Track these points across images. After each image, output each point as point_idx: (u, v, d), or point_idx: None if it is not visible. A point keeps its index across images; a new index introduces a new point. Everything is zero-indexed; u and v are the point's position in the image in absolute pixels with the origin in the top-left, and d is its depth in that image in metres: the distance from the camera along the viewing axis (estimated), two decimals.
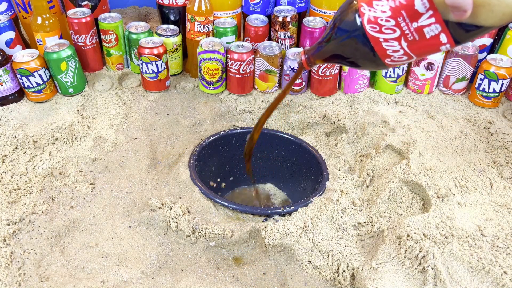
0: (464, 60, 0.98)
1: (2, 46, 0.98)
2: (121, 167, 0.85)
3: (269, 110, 0.73)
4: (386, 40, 0.52)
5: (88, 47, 1.04)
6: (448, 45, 0.50)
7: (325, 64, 0.97)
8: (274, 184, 1.03)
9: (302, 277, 0.67)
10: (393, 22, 0.50)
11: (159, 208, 0.73)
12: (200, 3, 0.97)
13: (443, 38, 0.49)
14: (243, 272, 0.69)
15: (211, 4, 0.99)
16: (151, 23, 1.36)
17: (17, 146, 0.86)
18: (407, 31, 0.50)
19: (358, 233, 0.72)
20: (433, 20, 0.48)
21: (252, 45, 1.03)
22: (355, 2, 0.53)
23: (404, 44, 0.51)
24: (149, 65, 0.97)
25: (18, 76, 0.93)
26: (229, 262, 0.71)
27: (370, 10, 0.51)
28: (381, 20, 0.51)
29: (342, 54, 0.58)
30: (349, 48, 0.56)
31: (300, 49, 1.01)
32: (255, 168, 1.01)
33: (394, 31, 0.51)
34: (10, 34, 0.99)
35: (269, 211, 0.76)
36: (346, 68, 1.00)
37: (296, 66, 0.97)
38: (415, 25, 0.49)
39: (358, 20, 0.52)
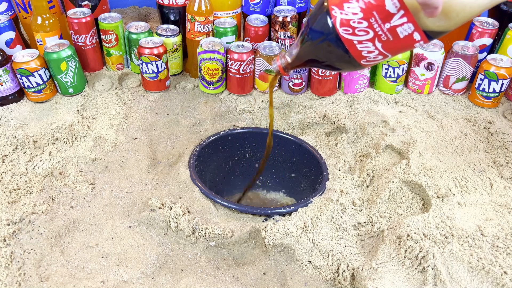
0: (464, 60, 0.98)
1: (2, 46, 0.98)
2: (121, 167, 0.85)
3: (270, 117, 0.78)
4: (360, 42, 0.52)
5: (88, 47, 1.04)
6: (422, 42, 0.50)
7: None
8: (274, 184, 1.03)
9: (302, 277, 0.67)
10: (365, 23, 0.50)
11: (159, 208, 0.73)
12: (200, 3, 0.97)
13: (417, 36, 0.49)
14: (243, 272, 0.69)
15: (211, 4, 0.99)
16: (151, 23, 1.36)
17: (17, 146, 0.86)
18: (380, 32, 0.50)
19: (358, 233, 0.72)
20: (405, 19, 0.48)
21: (252, 45, 1.03)
22: (325, 4, 0.53)
23: (379, 45, 0.51)
24: (149, 65, 0.97)
25: (18, 76, 0.93)
26: (229, 262, 0.71)
27: (341, 13, 0.51)
28: (354, 22, 0.51)
29: (317, 58, 0.58)
30: (324, 51, 0.56)
31: None
32: (254, 168, 1.01)
33: (368, 32, 0.51)
34: (10, 34, 0.99)
35: (269, 211, 0.76)
36: None
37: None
38: (387, 25, 0.49)
39: (330, 23, 0.52)
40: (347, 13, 0.50)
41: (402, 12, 0.48)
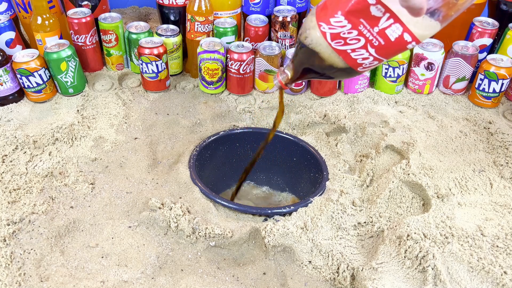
0: (464, 60, 0.98)
1: (2, 46, 0.98)
2: (121, 167, 0.85)
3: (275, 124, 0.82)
4: (353, 50, 0.53)
5: (88, 47, 1.04)
6: (413, 43, 0.50)
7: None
8: (272, 183, 1.03)
9: (302, 277, 0.67)
10: (355, 32, 0.51)
11: (159, 208, 0.73)
12: (200, 3, 0.97)
13: (407, 37, 0.50)
14: (243, 272, 0.69)
15: (211, 4, 0.99)
16: (151, 23, 1.36)
17: (17, 146, 0.86)
18: (371, 37, 0.51)
19: (358, 233, 0.72)
20: (392, 21, 0.49)
21: (252, 45, 1.03)
22: (313, 21, 0.54)
23: (372, 50, 0.52)
24: (149, 65, 0.97)
25: (18, 76, 0.93)
26: (229, 262, 0.71)
27: (330, 28, 0.52)
28: (343, 33, 0.52)
29: (315, 70, 0.59)
30: (321, 65, 0.57)
31: None
32: (255, 168, 1.01)
33: (359, 40, 0.52)
34: (10, 34, 0.99)
35: (269, 211, 0.76)
36: None
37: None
38: (376, 29, 0.50)
39: (321, 39, 0.53)
40: (335, 27, 0.52)
41: (388, 14, 0.49)
